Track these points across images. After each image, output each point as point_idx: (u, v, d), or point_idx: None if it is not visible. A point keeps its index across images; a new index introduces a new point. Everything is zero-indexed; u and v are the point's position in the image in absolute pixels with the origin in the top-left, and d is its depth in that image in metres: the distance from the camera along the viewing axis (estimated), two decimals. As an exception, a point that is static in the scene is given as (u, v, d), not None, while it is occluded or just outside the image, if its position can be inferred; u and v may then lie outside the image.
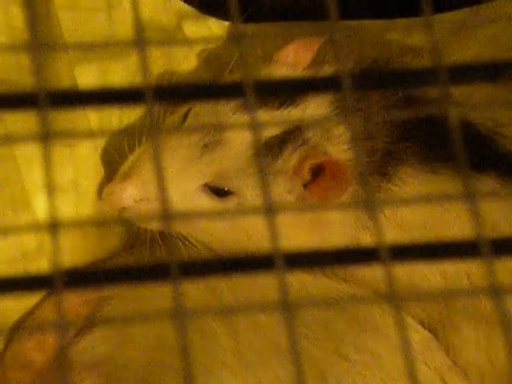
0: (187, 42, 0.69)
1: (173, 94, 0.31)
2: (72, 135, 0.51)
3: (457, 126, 0.30)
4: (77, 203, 0.64)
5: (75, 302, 0.64)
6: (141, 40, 0.29)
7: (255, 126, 0.32)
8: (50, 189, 0.27)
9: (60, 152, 0.61)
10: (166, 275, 0.28)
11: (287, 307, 0.27)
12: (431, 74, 0.30)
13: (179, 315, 0.27)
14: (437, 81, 0.30)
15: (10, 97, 0.29)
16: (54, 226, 0.27)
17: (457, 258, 0.29)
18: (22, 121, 0.54)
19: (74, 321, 0.62)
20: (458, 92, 0.58)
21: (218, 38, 0.71)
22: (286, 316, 0.28)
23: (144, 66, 0.29)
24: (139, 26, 0.31)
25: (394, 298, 0.27)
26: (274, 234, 0.29)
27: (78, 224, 0.59)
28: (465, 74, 0.30)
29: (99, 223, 0.64)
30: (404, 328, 0.27)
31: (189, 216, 0.35)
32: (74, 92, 0.29)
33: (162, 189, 0.30)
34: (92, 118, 0.63)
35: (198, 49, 0.73)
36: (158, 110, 0.65)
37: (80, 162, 0.64)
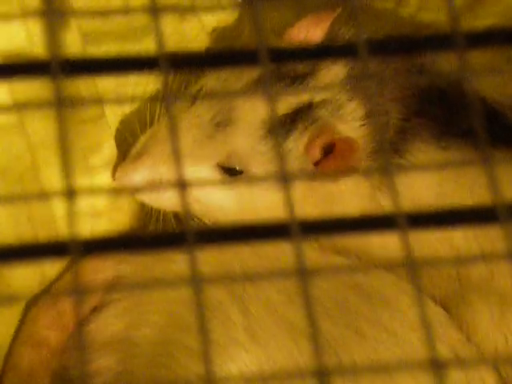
0: (200, 11, 0.68)
1: (188, 61, 0.31)
2: (87, 104, 0.51)
3: (474, 95, 0.30)
4: (92, 183, 0.64)
5: (93, 278, 0.64)
6: (155, 6, 0.29)
7: (271, 97, 0.32)
8: (65, 156, 0.27)
9: (74, 132, 0.61)
10: (182, 242, 0.28)
11: (304, 274, 0.27)
12: (448, 39, 0.30)
13: (195, 282, 0.27)
14: (454, 46, 0.30)
15: (24, 64, 0.29)
16: (70, 194, 0.27)
17: (475, 224, 0.29)
18: (33, 91, 0.54)
19: (92, 289, 0.62)
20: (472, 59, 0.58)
21: (229, 10, 0.71)
22: (302, 283, 0.27)
23: (158, 33, 0.29)
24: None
25: (412, 265, 0.27)
26: (289, 201, 0.29)
27: (93, 192, 0.59)
28: (481, 39, 0.30)
29: (111, 199, 0.64)
30: (421, 294, 0.27)
31: (203, 188, 0.35)
32: (88, 59, 0.29)
33: (177, 164, 0.30)
34: (103, 89, 0.63)
35: (209, 27, 0.73)
36: (171, 84, 0.65)
37: (95, 146, 0.64)
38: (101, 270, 0.64)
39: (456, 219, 0.29)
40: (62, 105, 0.28)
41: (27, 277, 0.62)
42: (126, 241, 0.28)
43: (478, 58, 0.55)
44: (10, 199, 0.51)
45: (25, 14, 0.50)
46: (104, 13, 0.55)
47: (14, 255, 0.28)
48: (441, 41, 0.30)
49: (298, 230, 0.28)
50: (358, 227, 0.29)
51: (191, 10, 0.66)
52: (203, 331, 0.26)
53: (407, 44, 0.30)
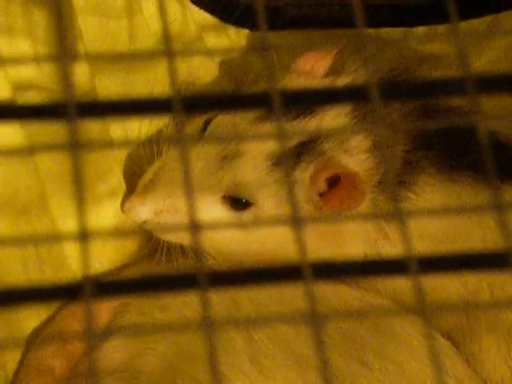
0: (205, 51, 0.69)
1: (200, 103, 0.31)
2: (98, 145, 0.51)
3: (486, 137, 0.30)
4: (98, 216, 0.64)
5: (96, 309, 0.64)
6: (169, 50, 0.29)
7: (282, 135, 0.32)
8: (80, 199, 0.27)
9: (83, 160, 0.62)
10: (193, 284, 0.28)
11: (316, 319, 0.27)
12: (459, 83, 0.30)
13: (207, 325, 0.27)
14: (465, 91, 0.30)
15: (39, 107, 0.30)
16: (83, 236, 0.27)
17: (485, 269, 0.29)
18: (47, 132, 0.55)
19: (97, 328, 0.62)
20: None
21: (237, 47, 0.71)
22: (313, 328, 0.28)
23: (172, 76, 0.30)
24: (167, 36, 0.31)
25: (424, 311, 0.27)
26: (301, 244, 0.29)
27: (106, 235, 0.59)
28: (493, 84, 0.30)
29: (117, 233, 0.64)
30: (432, 339, 0.27)
31: (213, 227, 0.35)
32: (100, 102, 0.29)
33: (190, 201, 0.30)
34: (112, 130, 0.64)
35: (218, 59, 0.73)
36: (171, 122, 0.66)
37: (102, 176, 0.64)
38: (106, 309, 0.64)
39: (466, 264, 0.29)
40: (76, 147, 0.28)
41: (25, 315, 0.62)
42: (135, 282, 0.28)
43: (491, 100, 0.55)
44: (18, 239, 0.52)
45: (37, 52, 0.51)
46: (116, 56, 0.56)
47: (22, 297, 0.28)
48: (451, 85, 0.31)
49: (309, 273, 0.28)
50: (368, 271, 0.29)
51: (203, 51, 0.67)
52: (215, 373, 0.26)
53: (418, 88, 0.31)
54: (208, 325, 0.27)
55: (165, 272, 0.64)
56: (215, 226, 0.49)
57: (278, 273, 0.29)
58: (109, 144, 0.59)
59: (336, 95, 0.31)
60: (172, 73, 0.29)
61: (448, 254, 0.29)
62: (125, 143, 0.62)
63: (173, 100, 0.30)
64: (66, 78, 0.27)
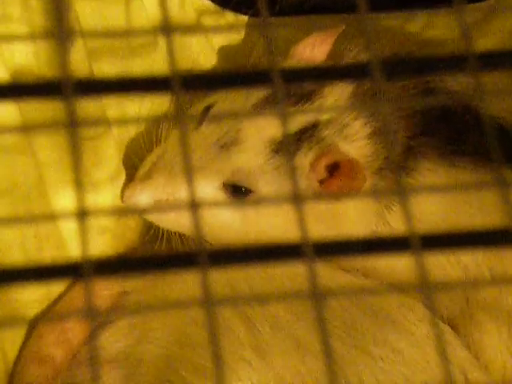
0: (210, 31, 0.69)
1: (200, 82, 0.30)
2: (96, 124, 0.51)
3: (488, 116, 0.30)
4: (97, 202, 0.64)
5: (96, 295, 0.64)
6: (167, 26, 0.29)
7: (282, 116, 0.32)
8: (78, 177, 0.27)
9: (83, 147, 0.61)
10: (194, 263, 0.28)
11: (317, 296, 0.27)
12: (461, 60, 0.30)
13: (209, 303, 0.26)
14: (466, 68, 0.30)
15: (35, 85, 0.29)
16: (82, 215, 0.27)
17: (488, 246, 0.29)
18: (43, 111, 0.54)
19: (99, 309, 0.62)
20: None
21: (236, 29, 0.71)
22: (315, 306, 0.27)
23: (171, 53, 0.29)
24: (165, 11, 0.31)
25: (426, 287, 0.27)
26: (302, 222, 0.28)
27: (105, 213, 0.59)
28: (495, 61, 0.30)
29: (116, 217, 0.64)
30: (434, 317, 0.27)
31: (213, 208, 0.34)
32: (98, 80, 0.29)
33: (189, 183, 0.30)
34: (110, 113, 0.63)
35: (216, 44, 0.73)
36: (180, 103, 0.65)
37: (101, 161, 0.64)
38: (106, 288, 0.64)
39: (468, 241, 0.29)
40: (74, 126, 0.28)
41: (34, 292, 0.62)
42: (136, 261, 0.28)
43: (491, 78, 0.55)
44: (18, 219, 0.51)
45: (34, 35, 0.50)
46: (111, 33, 0.55)
47: (23, 276, 0.28)
48: (453, 62, 0.30)
49: (310, 251, 0.28)
50: (371, 249, 0.29)
51: (198, 28, 0.66)
52: (216, 355, 0.26)
53: (420, 65, 0.30)
54: (209, 303, 0.27)
55: (165, 252, 0.63)
56: (211, 206, 0.49)
57: (278, 251, 0.29)
58: (106, 123, 0.58)
59: (337, 72, 0.30)
60: (171, 51, 0.29)
61: (450, 232, 0.29)
62: (122, 123, 0.61)
63: (172, 78, 0.29)
64: (62, 55, 0.27)
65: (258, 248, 0.28)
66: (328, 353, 0.26)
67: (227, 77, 0.31)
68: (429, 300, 0.27)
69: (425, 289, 0.27)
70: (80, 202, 0.27)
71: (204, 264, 0.28)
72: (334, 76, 0.30)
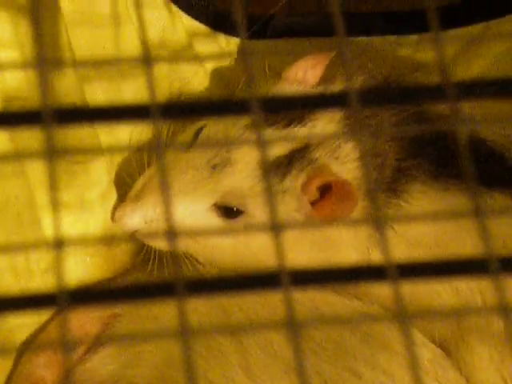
0: (194, 58, 0.69)
1: (179, 111, 0.31)
2: (80, 152, 0.51)
3: (465, 142, 0.30)
4: (88, 222, 0.64)
5: (85, 319, 0.64)
6: (147, 56, 0.29)
7: (262, 143, 0.32)
8: (55, 206, 0.27)
9: (71, 171, 0.62)
10: (173, 293, 0.28)
11: (293, 325, 0.27)
12: (439, 90, 0.30)
13: (184, 333, 0.26)
14: (446, 97, 0.30)
15: (16, 114, 0.29)
16: (58, 244, 0.27)
17: (466, 275, 0.29)
18: (33, 138, 0.54)
19: (81, 339, 0.62)
20: (468, 108, 0.58)
21: (227, 55, 0.71)
22: (291, 334, 0.27)
23: (150, 83, 0.29)
24: (145, 43, 0.31)
25: (402, 316, 0.27)
26: (280, 250, 0.28)
27: (84, 242, 0.59)
28: (473, 89, 0.30)
29: (106, 241, 0.64)
30: (412, 345, 0.27)
31: (196, 233, 0.34)
32: (79, 109, 0.29)
33: (167, 207, 0.30)
34: (102, 137, 0.64)
35: (208, 67, 0.73)
36: (165, 128, 0.65)
37: (92, 182, 0.64)
38: (90, 320, 0.64)
39: (445, 271, 0.29)
40: (51, 154, 0.28)
41: (22, 318, 0.62)
42: (113, 291, 0.28)
43: (492, 105, 0.55)
44: (8, 246, 0.51)
45: (24, 61, 0.51)
46: (96, 62, 0.55)
47: (6, 305, 0.28)
48: (433, 91, 0.30)
49: (288, 279, 0.28)
50: (350, 277, 0.29)
51: (185, 58, 0.67)
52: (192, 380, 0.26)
53: (399, 94, 0.30)
54: (185, 333, 0.27)
55: (147, 281, 0.63)
56: (200, 231, 0.49)
57: (259, 280, 0.29)
58: (89, 151, 0.58)
59: (316, 102, 0.31)
60: (150, 79, 0.29)
61: (429, 260, 0.29)
62: (113, 150, 0.62)
63: (151, 106, 0.30)
64: (42, 83, 0.27)
65: (235, 277, 0.28)
66: (303, 381, 0.26)
67: (207, 105, 0.31)
68: (405, 329, 0.27)
69: (402, 317, 0.27)
70: (56, 230, 0.27)
71: (181, 293, 0.28)
72: (313, 105, 0.30)
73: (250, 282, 0.28)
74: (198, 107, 0.31)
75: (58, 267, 0.26)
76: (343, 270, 0.29)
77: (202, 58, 0.70)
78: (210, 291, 0.28)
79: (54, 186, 0.27)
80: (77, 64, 0.55)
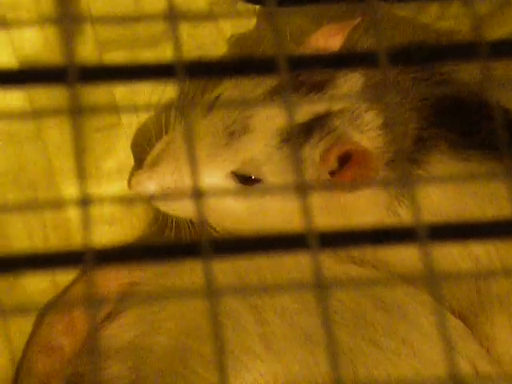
0: (218, 19, 0.68)
1: (204, 69, 0.30)
2: (104, 111, 0.51)
3: (497, 107, 0.29)
4: (106, 190, 0.64)
5: (107, 285, 0.64)
6: (173, 13, 0.28)
7: (288, 104, 0.31)
8: (81, 165, 0.26)
9: (91, 138, 0.61)
10: (197, 253, 0.28)
11: (321, 287, 0.27)
12: (471, 48, 0.29)
13: (211, 293, 0.26)
14: (477, 56, 0.29)
15: (40, 71, 0.29)
16: (84, 203, 0.27)
17: (495, 237, 0.28)
18: (52, 98, 0.54)
19: (106, 298, 0.62)
20: (501, 70, 0.57)
21: (247, 19, 0.71)
22: (319, 296, 0.27)
23: (176, 41, 0.29)
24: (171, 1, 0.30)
25: (433, 278, 0.26)
26: (307, 212, 0.28)
27: (109, 200, 0.59)
28: (506, 49, 0.29)
29: (123, 207, 0.64)
30: (441, 307, 0.27)
31: (218, 194, 0.34)
32: (104, 66, 0.28)
33: (192, 172, 0.30)
34: (120, 97, 0.63)
35: (228, 34, 0.72)
36: (188, 90, 0.65)
37: (110, 150, 0.64)
38: (115, 278, 0.64)
39: (476, 232, 0.28)
40: (77, 113, 0.28)
41: (40, 282, 0.62)
42: (140, 250, 0.28)
43: (504, 69, 0.54)
44: (23, 207, 0.51)
45: (40, 20, 0.50)
46: (121, 20, 0.55)
47: (28, 264, 0.28)
48: (464, 50, 0.30)
49: (315, 241, 0.28)
50: (377, 239, 0.29)
51: (208, 16, 0.66)
52: (219, 344, 0.26)
53: (429, 53, 0.30)
54: (211, 294, 0.27)
55: (169, 241, 0.63)
56: (218, 194, 0.49)
57: (284, 242, 0.29)
58: (112, 108, 0.58)
59: (344, 61, 0.30)
60: (175, 37, 0.29)
61: (458, 223, 0.28)
62: (132, 111, 0.61)
63: (177, 65, 0.29)
64: (67, 41, 0.27)
65: (262, 238, 0.28)
66: (331, 343, 0.26)
67: (233, 64, 0.31)
68: (436, 291, 0.26)
69: (432, 280, 0.27)
70: (83, 190, 0.27)
71: (206, 254, 0.27)
72: (342, 64, 0.30)
73: (277, 243, 0.28)
74: (224, 65, 0.30)
75: (84, 226, 0.26)
76: (372, 231, 0.28)
77: (221, 19, 0.70)
78: (235, 251, 0.28)
79: (79, 145, 0.27)
80: (98, 23, 0.54)
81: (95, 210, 0.63)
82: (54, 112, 0.49)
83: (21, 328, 0.63)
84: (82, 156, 0.26)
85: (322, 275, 0.26)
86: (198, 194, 0.29)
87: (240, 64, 0.31)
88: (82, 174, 0.26)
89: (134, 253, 0.28)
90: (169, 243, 0.29)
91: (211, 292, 0.26)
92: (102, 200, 0.54)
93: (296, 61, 0.29)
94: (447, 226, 0.28)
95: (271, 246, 0.28)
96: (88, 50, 0.56)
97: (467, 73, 0.62)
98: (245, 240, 0.28)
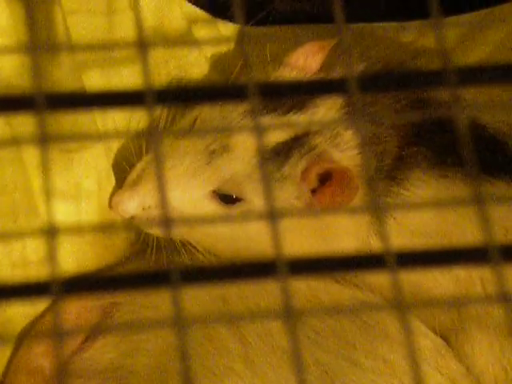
0: (193, 44, 0.68)
1: (175, 96, 0.30)
2: (74, 138, 0.51)
3: (465, 128, 0.30)
4: (85, 211, 0.64)
5: (83, 308, 0.64)
6: (142, 41, 0.28)
7: (259, 130, 0.31)
8: (48, 193, 0.26)
9: (67, 159, 0.61)
10: (167, 281, 0.28)
11: (290, 315, 0.26)
12: (440, 75, 0.29)
13: (178, 322, 0.26)
14: (446, 82, 0.29)
15: (9, 98, 0.29)
16: (51, 232, 0.27)
17: (466, 264, 0.28)
18: (28, 123, 0.54)
19: (79, 327, 0.62)
20: (469, 94, 0.57)
21: (227, 40, 0.71)
22: (288, 323, 0.27)
23: (145, 68, 0.29)
24: (141, 28, 0.30)
25: (400, 305, 0.26)
26: (276, 239, 0.28)
27: (81, 230, 0.59)
28: (474, 75, 0.30)
29: (104, 229, 0.64)
30: (411, 335, 0.27)
31: (192, 221, 0.34)
32: (72, 94, 0.28)
33: (162, 195, 0.29)
34: (99, 123, 0.63)
35: (208, 53, 0.73)
36: (163, 115, 0.65)
37: (89, 171, 0.64)
38: (86, 307, 0.64)
39: (447, 259, 0.28)
40: (45, 140, 0.27)
41: (18, 308, 0.62)
42: (107, 279, 0.28)
43: (474, 93, 0.55)
44: (3, 234, 0.51)
45: (11, 49, 0.50)
46: (92, 47, 0.55)
47: (10, 294, 0.28)
48: (433, 77, 0.30)
49: (285, 268, 0.28)
50: (348, 266, 0.29)
51: (181, 43, 0.66)
52: (186, 376, 0.26)
53: (399, 80, 0.30)
54: (179, 322, 0.27)
55: (144, 269, 0.63)
56: (195, 218, 0.49)
57: (255, 268, 0.29)
58: (84, 136, 0.58)
59: (314, 88, 0.30)
60: (145, 64, 0.29)
61: (429, 248, 0.28)
62: (105, 136, 0.61)
63: (145, 92, 0.29)
64: (34, 68, 0.27)
65: (231, 265, 0.28)
66: (299, 369, 0.26)
67: (204, 91, 0.31)
68: (404, 319, 0.26)
69: (399, 307, 0.27)
70: (50, 217, 0.27)
71: (176, 282, 0.27)
72: (311, 91, 0.30)
73: (247, 270, 0.28)
74: (194, 93, 0.30)
75: (51, 255, 0.26)
76: (341, 258, 0.28)
77: (201, 44, 0.70)
78: (205, 280, 0.28)
79: (46, 171, 0.27)
80: (73, 49, 0.54)
81: (74, 230, 0.62)
82: (27, 139, 0.49)
83: (1, 354, 0.62)
84: (48, 184, 0.26)
85: (290, 303, 0.26)
86: (168, 221, 0.29)
87: (211, 91, 0.31)
88: (49, 201, 0.26)
89: (103, 282, 0.28)
90: (138, 271, 0.28)
91: (178, 321, 0.26)
92: (73, 229, 0.54)
93: (266, 88, 0.29)
94: (416, 253, 0.28)
95: (239, 273, 0.28)
96: (64, 70, 0.56)
97: (442, 93, 0.63)
98: (212, 268, 0.28)
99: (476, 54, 0.70)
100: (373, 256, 0.28)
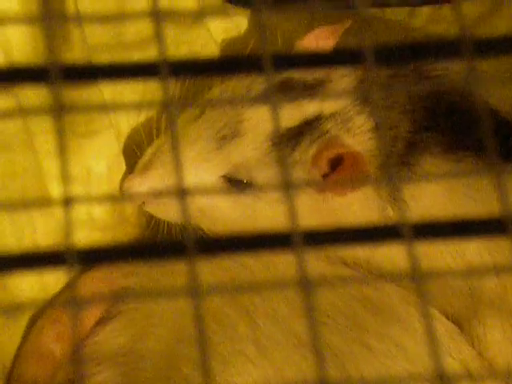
0: (208, 23, 0.68)
1: (190, 68, 0.30)
2: (88, 110, 0.51)
3: (484, 108, 0.29)
4: (96, 193, 0.64)
5: (98, 279, 0.64)
6: (156, 11, 0.28)
7: (274, 105, 0.31)
8: (64, 164, 0.26)
9: (77, 144, 0.61)
10: (183, 252, 0.27)
11: (306, 285, 0.26)
12: (456, 46, 0.29)
13: (195, 293, 0.26)
14: (461, 53, 0.29)
15: (22, 70, 0.29)
16: (67, 202, 0.27)
17: (481, 235, 0.28)
18: (39, 96, 0.54)
19: (94, 299, 0.62)
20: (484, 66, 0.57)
21: (237, 25, 0.71)
22: (303, 294, 0.27)
23: (159, 38, 0.29)
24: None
25: (416, 276, 0.26)
26: (292, 210, 0.28)
27: (92, 200, 0.59)
28: (490, 47, 0.29)
29: (113, 200, 0.64)
30: (427, 308, 0.26)
31: (208, 199, 0.34)
32: (87, 66, 0.28)
33: (179, 175, 0.29)
34: (107, 96, 0.63)
35: (218, 39, 0.72)
36: (176, 92, 0.65)
37: (99, 155, 0.64)
38: (106, 280, 0.64)
39: (463, 230, 0.28)
40: (60, 111, 0.27)
41: (29, 285, 0.62)
42: (125, 251, 0.28)
43: (491, 67, 0.54)
44: (11, 206, 0.51)
45: (29, 18, 0.50)
46: (106, 19, 0.55)
47: (13, 263, 0.27)
48: (449, 48, 0.30)
49: (300, 240, 0.28)
50: (363, 238, 0.29)
51: (196, 16, 0.66)
52: (203, 344, 0.26)
53: (414, 51, 0.30)
54: (195, 294, 0.26)
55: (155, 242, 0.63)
56: (207, 194, 0.48)
57: (269, 241, 0.28)
58: (98, 107, 0.58)
59: (330, 58, 0.30)
60: (159, 35, 0.29)
61: (443, 220, 0.28)
62: (121, 110, 0.61)
63: (161, 64, 0.29)
64: (50, 39, 0.27)
65: (247, 237, 0.28)
66: (316, 344, 0.26)
67: (219, 63, 0.30)
68: (420, 289, 0.26)
69: (417, 278, 0.27)
70: (66, 189, 0.27)
71: (191, 253, 0.27)
72: (328, 62, 0.29)
73: (262, 242, 0.28)
74: (208, 64, 0.30)
75: (67, 225, 0.26)
76: (356, 230, 0.28)
77: (212, 31, 0.70)
78: (221, 251, 0.28)
79: (62, 144, 0.27)
80: (84, 21, 0.54)
81: (86, 216, 0.63)
82: (39, 111, 0.48)
83: (11, 334, 0.62)
84: (64, 154, 0.26)
85: (306, 273, 0.26)
86: (182, 194, 0.29)
87: (226, 63, 0.30)
88: (65, 172, 0.26)
89: (119, 253, 0.28)
90: (154, 243, 0.28)
91: (196, 292, 0.26)
92: (88, 200, 0.54)
93: (282, 60, 0.29)
94: (433, 224, 0.28)
95: (257, 244, 0.28)
96: (75, 54, 0.56)
97: (456, 74, 0.62)
98: (230, 239, 0.28)
99: (493, 31, 0.70)
100: (389, 227, 0.28)
